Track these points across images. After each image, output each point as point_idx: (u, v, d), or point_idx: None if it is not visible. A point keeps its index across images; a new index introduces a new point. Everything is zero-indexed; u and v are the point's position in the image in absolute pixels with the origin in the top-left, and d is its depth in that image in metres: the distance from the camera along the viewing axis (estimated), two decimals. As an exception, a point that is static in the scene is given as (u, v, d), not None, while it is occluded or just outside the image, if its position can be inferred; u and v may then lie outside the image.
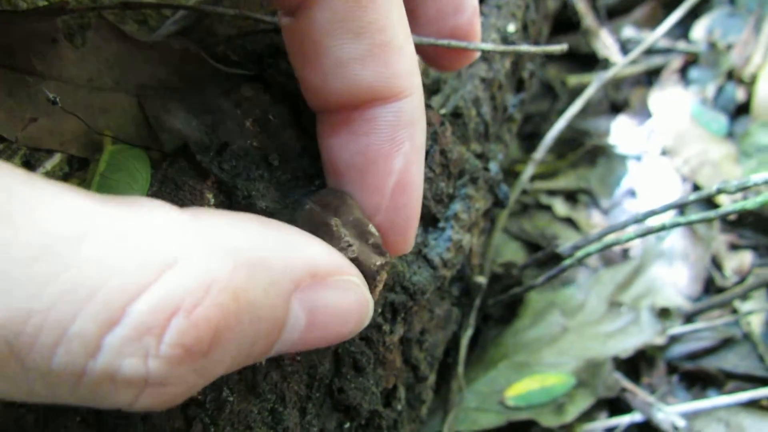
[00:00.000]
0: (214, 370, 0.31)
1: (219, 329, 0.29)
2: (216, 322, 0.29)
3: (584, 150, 1.09)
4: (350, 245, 0.41)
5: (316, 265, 0.36)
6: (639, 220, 0.63)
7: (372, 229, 0.43)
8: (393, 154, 0.42)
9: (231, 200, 0.45)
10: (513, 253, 0.99)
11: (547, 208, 1.05)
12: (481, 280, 0.73)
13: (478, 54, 0.51)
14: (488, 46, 0.49)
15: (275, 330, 0.34)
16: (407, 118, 0.42)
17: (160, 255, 0.29)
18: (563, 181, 1.07)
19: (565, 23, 1.17)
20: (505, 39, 0.71)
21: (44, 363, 0.27)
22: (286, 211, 0.47)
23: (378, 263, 0.43)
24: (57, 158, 0.45)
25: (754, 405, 0.74)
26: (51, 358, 0.27)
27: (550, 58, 1.18)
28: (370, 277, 0.42)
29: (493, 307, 0.86)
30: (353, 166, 0.43)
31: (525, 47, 0.54)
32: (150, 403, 0.29)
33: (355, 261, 0.41)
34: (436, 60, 0.53)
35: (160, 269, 0.28)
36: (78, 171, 0.46)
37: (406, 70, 0.41)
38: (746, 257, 0.90)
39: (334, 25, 0.39)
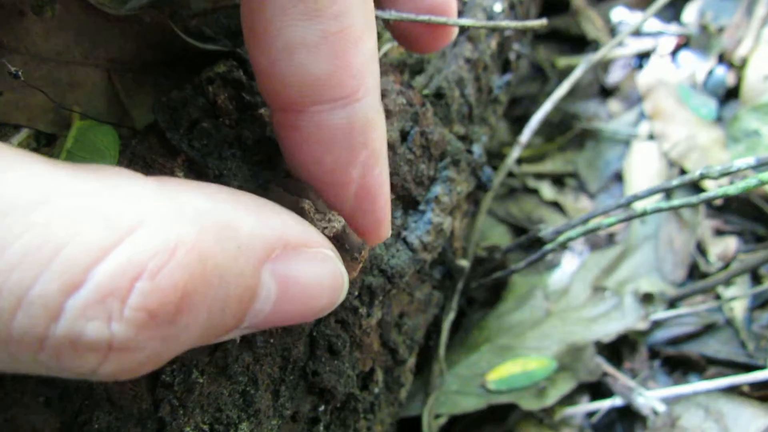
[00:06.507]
0: (183, 337, 0.30)
1: (186, 292, 0.28)
2: (183, 285, 0.28)
3: (573, 133, 1.08)
4: (331, 220, 0.40)
5: (289, 234, 0.34)
6: (622, 205, 0.63)
7: (339, 217, 0.42)
8: (350, 164, 0.40)
9: (202, 179, 0.44)
10: (500, 236, 0.98)
11: (535, 192, 1.04)
12: (464, 263, 0.72)
13: (455, 34, 0.50)
14: (468, 22, 0.48)
15: (246, 297, 0.32)
16: (361, 123, 0.39)
17: (125, 217, 0.28)
18: (551, 165, 1.07)
19: (556, 4, 1.16)
20: (491, 19, 0.70)
21: (4, 328, 0.26)
22: (260, 191, 0.46)
23: (362, 240, 0.42)
24: (24, 134, 0.44)
25: (734, 391, 0.74)
26: (11, 322, 0.26)
27: (539, 38, 1.17)
28: (354, 250, 0.41)
29: (477, 291, 0.85)
30: (311, 173, 0.41)
31: (505, 22, 0.53)
32: (114, 370, 0.28)
33: (338, 234, 0.40)
34: (414, 41, 0.51)
35: (124, 231, 0.27)
36: (45, 147, 0.45)
37: (361, 65, 0.38)
38: (731, 243, 0.90)
39: (287, 3, 0.36)
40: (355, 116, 0.38)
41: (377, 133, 0.40)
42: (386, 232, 0.45)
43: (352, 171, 0.40)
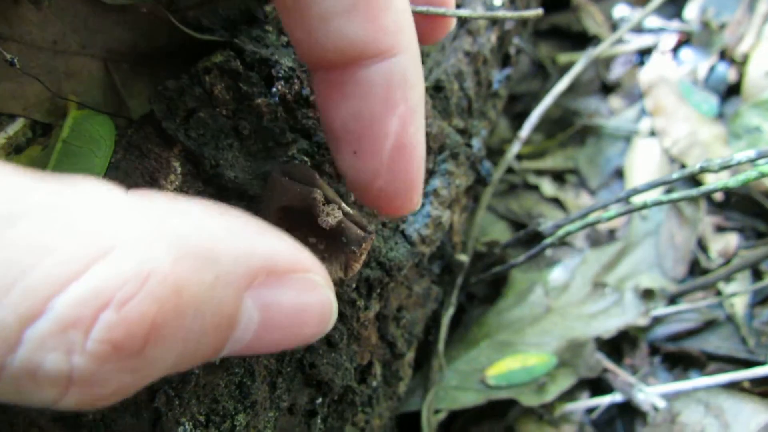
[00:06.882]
0: (153, 369, 0.29)
1: (156, 325, 0.27)
2: (152, 317, 0.27)
3: (573, 130, 1.07)
4: (334, 209, 0.40)
5: (274, 260, 0.33)
6: (621, 199, 0.62)
7: (346, 207, 0.42)
8: (388, 116, 0.40)
9: (198, 169, 0.44)
10: (500, 232, 0.98)
11: (535, 188, 1.04)
12: (463, 258, 0.72)
13: (453, 25, 0.50)
14: (466, 12, 0.48)
15: (224, 328, 0.31)
16: (399, 77, 0.40)
17: (96, 240, 0.26)
18: (551, 161, 1.06)
19: (557, 1, 1.16)
20: (490, 11, 0.69)
21: None
22: (256, 181, 0.45)
23: (363, 233, 0.42)
24: (20, 123, 0.44)
25: (734, 387, 0.73)
26: None
27: (540, 35, 1.16)
28: (352, 243, 0.41)
29: (476, 286, 0.85)
30: (349, 129, 0.41)
31: (502, 12, 0.53)
32: (76, 403, 0.27)
33: (342, 223, 0.40)
34: None
35: (94, 256, 0.26)
36: (41, 137, 0.44)
37: (395, 25, 0.39)
38: (732, 239, 0.89)
39: None
40: (393, 71, 0.40)
41: (415, 89, 0.41)
42: (417, 199, 0.44)
43: (389, 123, 0.40)
